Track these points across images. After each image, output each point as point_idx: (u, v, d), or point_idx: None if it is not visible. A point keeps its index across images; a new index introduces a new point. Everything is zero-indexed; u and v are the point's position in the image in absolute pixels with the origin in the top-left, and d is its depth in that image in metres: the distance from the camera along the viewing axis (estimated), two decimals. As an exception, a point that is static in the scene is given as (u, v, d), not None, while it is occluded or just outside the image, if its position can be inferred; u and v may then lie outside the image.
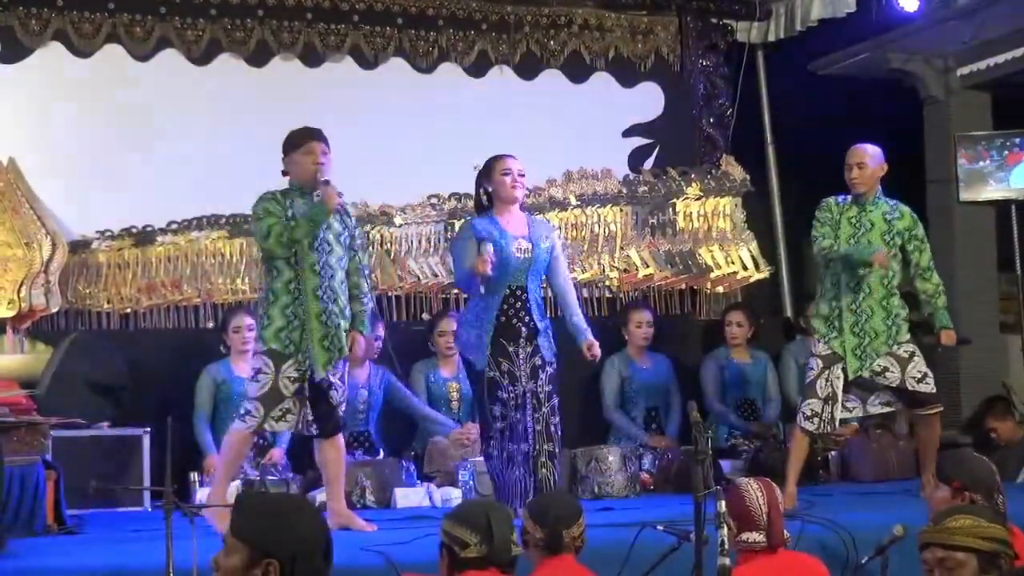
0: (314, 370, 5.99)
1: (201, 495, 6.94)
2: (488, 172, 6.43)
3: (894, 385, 6.73)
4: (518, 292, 6.29)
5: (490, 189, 6.40)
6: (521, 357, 6.24)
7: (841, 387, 6.72)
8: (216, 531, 5.35)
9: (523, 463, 6.18)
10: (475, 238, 6.26)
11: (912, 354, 6.72)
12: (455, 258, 6.47)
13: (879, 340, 6.71)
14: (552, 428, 6.27)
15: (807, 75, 9.35)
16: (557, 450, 6.32)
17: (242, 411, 6.09)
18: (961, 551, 3.36)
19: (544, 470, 6.20)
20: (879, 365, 6.70)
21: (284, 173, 6.23)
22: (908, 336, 6.76)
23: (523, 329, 6.28)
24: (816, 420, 6.72)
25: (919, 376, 6.71)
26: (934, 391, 6.76)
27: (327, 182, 6.13)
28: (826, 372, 6.72)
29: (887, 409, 7.02)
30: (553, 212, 8.79)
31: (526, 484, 6.15)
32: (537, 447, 6.20)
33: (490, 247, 6.18)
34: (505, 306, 6.25)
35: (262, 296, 6.24)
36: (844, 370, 6.70)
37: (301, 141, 6.21)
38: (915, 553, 4.52)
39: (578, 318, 6.46)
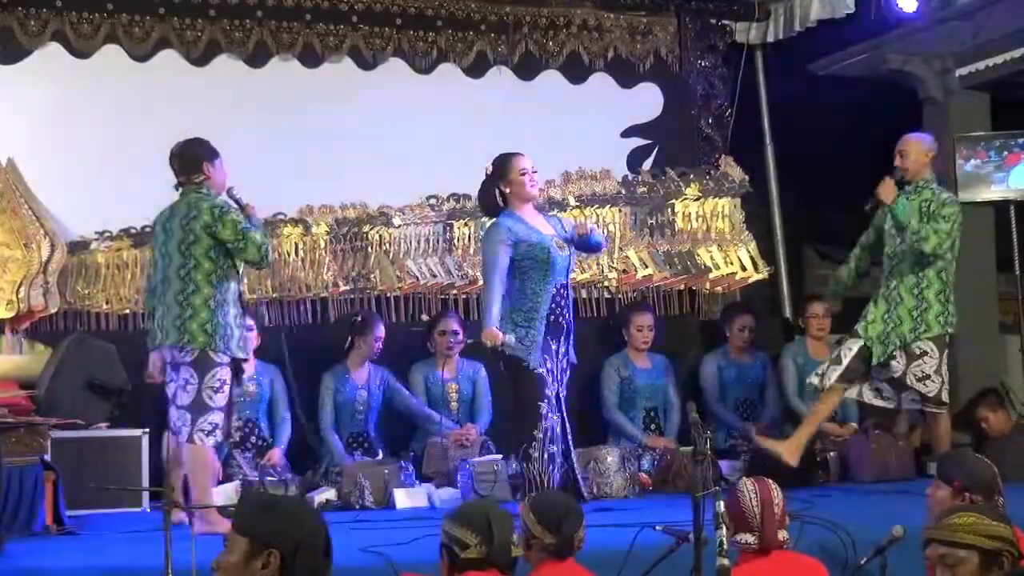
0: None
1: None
2: (503, 172, 6.44)
3: (896, 376, 6.94)
4: (562, 290, 6.40)
5: (507, 190, 6.41)
6: (559, 355, 6.33)
7: (850, 356, 6.97)
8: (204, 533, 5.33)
9: (560, 465, 6.24)
10: (509, 243, 6.29)
11: (924, 354, 6.89)
12: (486, 262, 6.48)
13: (903, 327, 6.91)
14: (568, 429, 6.42)
15: (806, 76, 9.35)
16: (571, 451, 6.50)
17: (208, 427, 6.16)
18: (963, 548, 3.36)
19: (566, 469, 6.30)
20: (892, 354, 6.93)
21: (203, 179, 6.38)
22: (934, 333, 6.89)
23: (564, 325, 6.42)
24: (817, 377, 7.11)
25: (920, 376, 6.89)
26: (932, 394, 6.92)
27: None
28: (846, 340, 7.07)
29: (917, 406, 7.21)
30: (552, 213, 8.78)
31: (560, 483, 6.22)
32: (565, 447, 6.30)
33: (511, 337, 6.27)
34: (553, 304, 6.37)
35: (213, 306, 6.18)
36: (862, 346, 6.96)
37: (217, 151, 6.46)
38: (914, 554, 4.52)
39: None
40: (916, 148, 7.09)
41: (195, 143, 6.45)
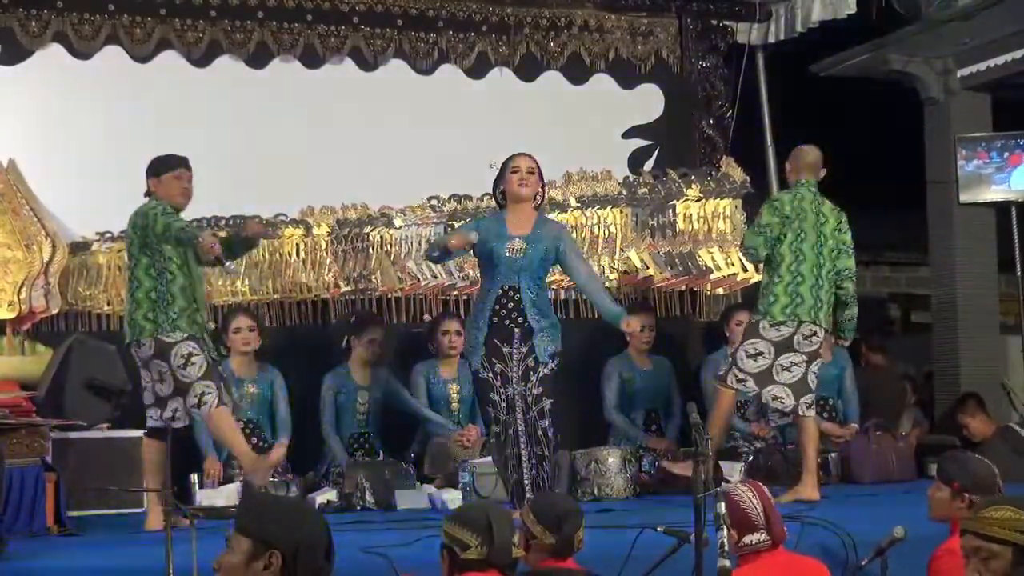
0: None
1: (201, 496, 6.95)
2: (501, 171, 6.49)
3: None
4: (511, 292, 6.28)
5: (503, 188, 6.45)
6: (515, 358, 6.23)
7: (790, 363, 6.93)
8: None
9: (516, 467, 6.18)
10: (474, 229, 6.35)
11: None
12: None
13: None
14: (540, 431, 6.19)
15: (807, 77, 9.36)
16: (547, 453, 6.21)
17: (194, 399, 6.24)
18: (996, 543, 3.34)
19: (534, 472, 6.17)
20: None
21: (151, 191, 6.53)
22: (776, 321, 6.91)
23: (516, 330, 6.26)
24: (815, 408, 7.04)
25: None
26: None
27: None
28: (778, 359, 6.87)
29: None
30: (553, 214, 8.78)
31: (521, 488, 6.15)
32: (528, 450, 6.19)
33: (473, 235, 6.29)
34: (497, 306, 6.27)
35: (154, 297, 6.33)
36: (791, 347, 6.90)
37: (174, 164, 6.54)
38: (915, 554, 4.54)
39: (609, 305, 6.50)
40: (790, 158, 7.16)
41: (156, 159, 6.59)
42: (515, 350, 6.24)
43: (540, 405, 6.21)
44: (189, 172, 6.51)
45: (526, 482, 6.12)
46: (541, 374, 6.24)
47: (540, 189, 6.50)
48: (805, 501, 6.56)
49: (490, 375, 6.22)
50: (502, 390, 6.20)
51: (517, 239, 6.33)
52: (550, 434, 6.22)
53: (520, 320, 6.28)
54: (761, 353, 6.85)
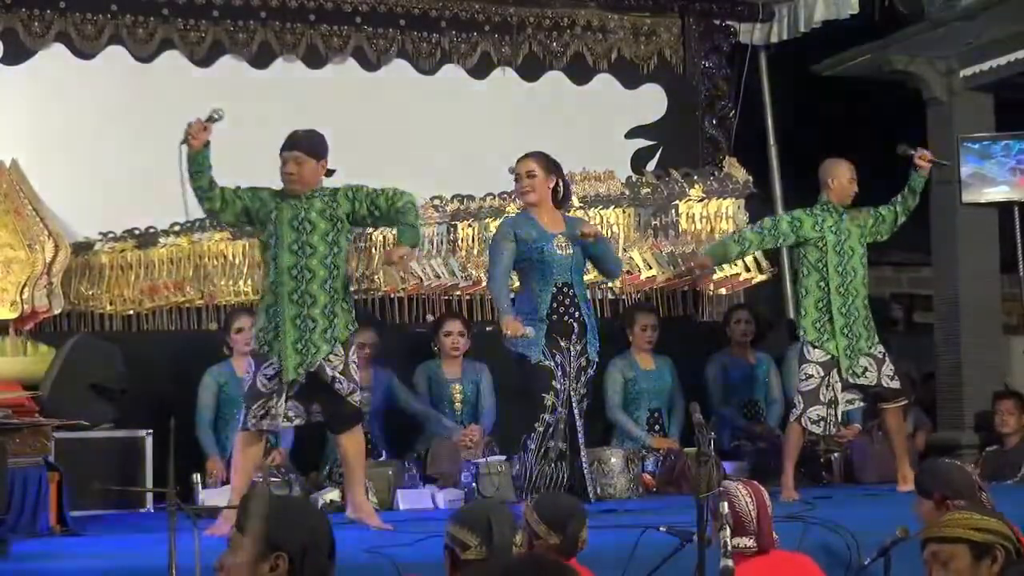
0: (285, 372, 5.99)
1: (204, 497, 6.94)
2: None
3: (872, 383, 7.14)
4: (565, 289, 6.39)
5: None
6: (572, 353, 6.33)
7: (840, 389, 7.11)
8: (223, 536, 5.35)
9: (556, 460, 6.24)
10: (511, 239, 6.38)
11: (885, 355, 7.19)
12: (490, 258, 6.59)
13: (862, 340, 7.13)
14: (579, 429, 6.41)
15: (810, 77, 9.36)
16: (580, 451, 6.48)
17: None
18: (952, 542, 3.36)
19: (571, 469, 6.30)
20: (861, 365, 7.12)
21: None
22: (878, 339, 7.23)
23: (574, 325, 6.39)
24: (822, 424, 7.11)
25: (891, 374, 7.19)
26: (900, 386, 7.27)
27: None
28: (827, 378, 7.09)
29: (851, 407, 7.43)
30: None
31: (557, 481, 6.21)
32: (568, 445, 6.31)
33: (530, 330, 6.24)
34: (555, 303, 6.37)
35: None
36: (839, 372, 7.09)
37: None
38: (918, 554, 4.53)
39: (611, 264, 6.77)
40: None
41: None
42: (572, 346, 6.35)
43: (582, 405, 6.43)
44: (287, 153, 6.35)
45: (550, 476, 6.19)
46: (588, 375, 6.45)
47: (552, 185, 6.49)
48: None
49: (552, 364, 6.28)
50: (563, 381, 6.26)
51: (561, 236, 6.39)
52: (582, 434, 6.43)
53: (577, 315, 6.42)
54: (812, 376, 7.13)
